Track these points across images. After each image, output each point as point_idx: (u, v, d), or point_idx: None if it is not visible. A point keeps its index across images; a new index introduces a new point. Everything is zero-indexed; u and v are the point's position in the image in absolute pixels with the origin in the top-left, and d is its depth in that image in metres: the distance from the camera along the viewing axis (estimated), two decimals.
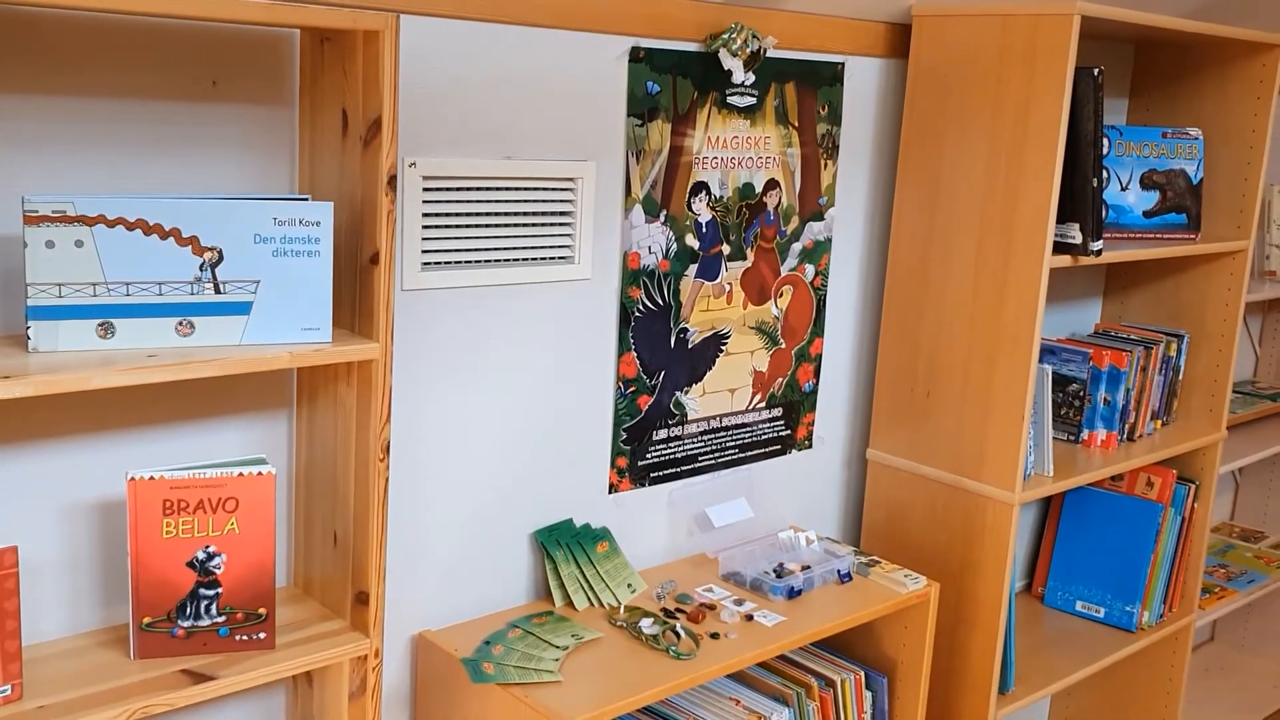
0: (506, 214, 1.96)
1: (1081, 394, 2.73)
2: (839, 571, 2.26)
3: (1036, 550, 3.12)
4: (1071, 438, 2.76)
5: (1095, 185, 2.27)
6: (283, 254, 1.51)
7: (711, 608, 2.13)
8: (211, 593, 1.58)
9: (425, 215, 1.86)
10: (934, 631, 2.31)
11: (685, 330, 2.26)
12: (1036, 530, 3.14)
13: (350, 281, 1.62)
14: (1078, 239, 2.31)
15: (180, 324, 1.47)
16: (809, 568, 2.25)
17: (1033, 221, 2.25)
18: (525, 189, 1.97)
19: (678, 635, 1.99)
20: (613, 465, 2.21)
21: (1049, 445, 2.49)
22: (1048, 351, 2.76)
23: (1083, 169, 2.26)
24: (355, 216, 1.59)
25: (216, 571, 1.58)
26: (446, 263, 1.91)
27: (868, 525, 2.63)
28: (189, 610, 1.58)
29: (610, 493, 2.22)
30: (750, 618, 2.09)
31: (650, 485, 2.28)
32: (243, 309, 1.50)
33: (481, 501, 2.04)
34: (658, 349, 2.22)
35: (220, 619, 1.59)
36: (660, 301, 2.20)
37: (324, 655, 1.63)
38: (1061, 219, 2.30)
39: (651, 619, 2.02)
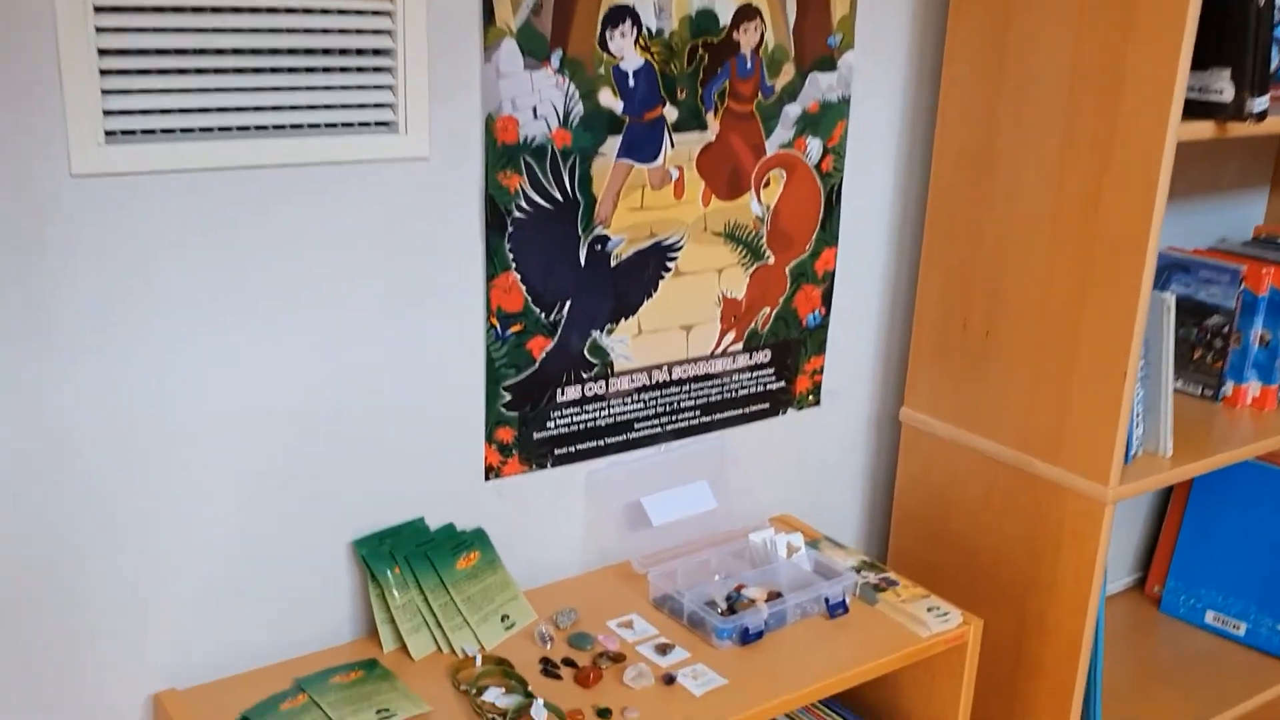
0: (263, 50, 1.22)
1: (1227, 331, 1.89)
2: (827, 600, 1.52)
3: (1155, 536, 2.31)
4: (1209, 394, 1.93)
5: (1259, 8, 1.42)
6: None
7: (618, 659, 1.41)
8: None
9: (104, 51, 1.14)
10: (974, 683, 1.58)
11: (604, 240, 1.50)
12: (1157, 510, 2.32)
13: None
14: (1227, 95, 1.46)
15: None
16: (779, 596, 1.51)
17: (1153, 69, 1.42)
18: (297, 10, 1.23)
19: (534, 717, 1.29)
20: (490, 439, 1.49)
21: (1168, 412, 1.67)
22: (1176, 267, 1.92)
23: None
24: None
25: None
26: (157, 130, 1.19)
27: (899, 518, 1.86)
28: None
29: (489, 478, 1.51)
30: (671, 680, 1.37)
31: (554, 466, 1.56)
32: None
33: (262, 501, 1.35)
34: (557, 268, 1.48)
35: None
36: (559, 196, 1.45)
37: None
38: (1200, 64, 1.47)
39: (503, 688, 1.32)
